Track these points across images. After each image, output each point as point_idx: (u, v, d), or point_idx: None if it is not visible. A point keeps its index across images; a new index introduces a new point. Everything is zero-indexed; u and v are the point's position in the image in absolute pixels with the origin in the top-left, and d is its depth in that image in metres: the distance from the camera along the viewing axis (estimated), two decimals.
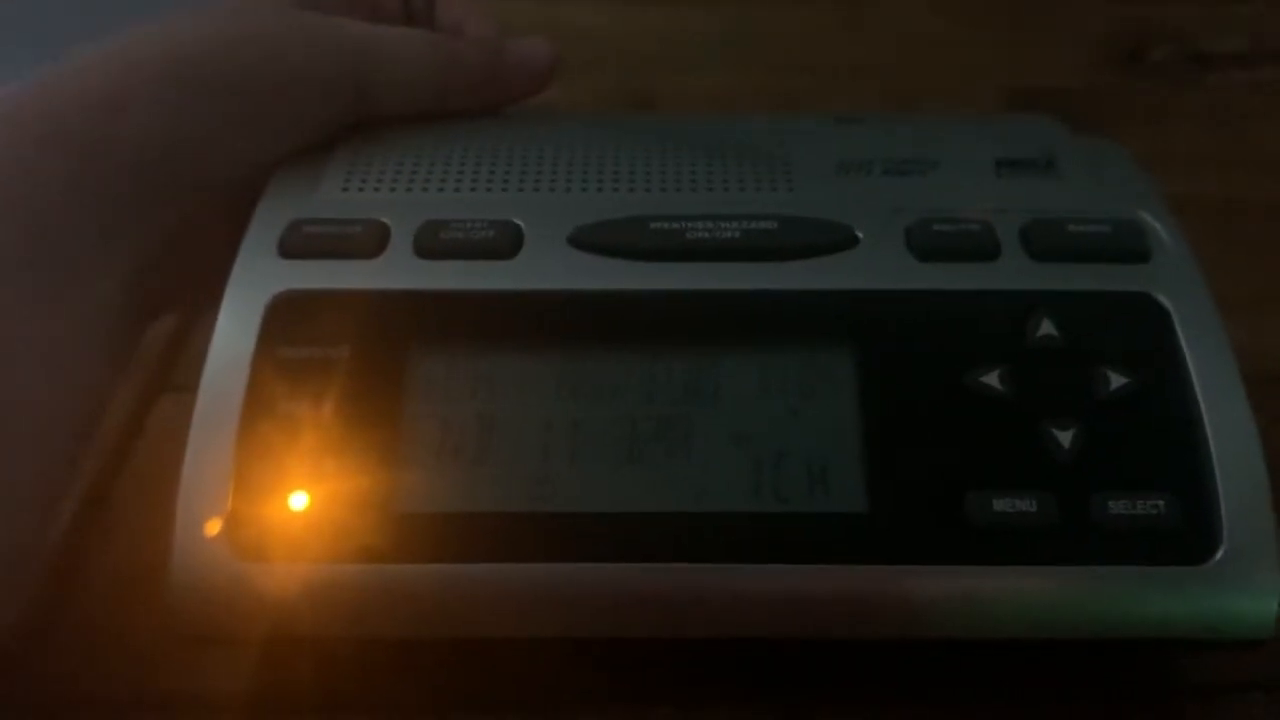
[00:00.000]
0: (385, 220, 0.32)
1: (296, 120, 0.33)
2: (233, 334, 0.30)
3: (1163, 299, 0.30)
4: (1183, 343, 0.30)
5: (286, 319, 0.30)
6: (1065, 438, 0.28)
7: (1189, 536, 0.28)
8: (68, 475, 0.30)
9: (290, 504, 0.28)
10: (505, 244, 0.31)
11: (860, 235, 0.32)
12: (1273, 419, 0.29)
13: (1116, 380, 0.29)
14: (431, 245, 0.31)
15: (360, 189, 0.33)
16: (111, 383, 0.31)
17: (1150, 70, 0.57)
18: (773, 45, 0.58)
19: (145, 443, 0.38)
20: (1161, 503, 0.28)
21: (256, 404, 0.29)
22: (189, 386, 0.29)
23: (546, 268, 0.31)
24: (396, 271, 0.31)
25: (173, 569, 0.27)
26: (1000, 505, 0.28)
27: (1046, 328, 0.30)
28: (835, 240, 0.31)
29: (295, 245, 0.31)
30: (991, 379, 0.29)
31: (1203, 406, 0.29)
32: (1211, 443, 0.28)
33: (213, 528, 0.28)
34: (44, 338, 0.28)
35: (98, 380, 0.30)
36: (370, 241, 0.31)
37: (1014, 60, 0.57)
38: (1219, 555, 0.27)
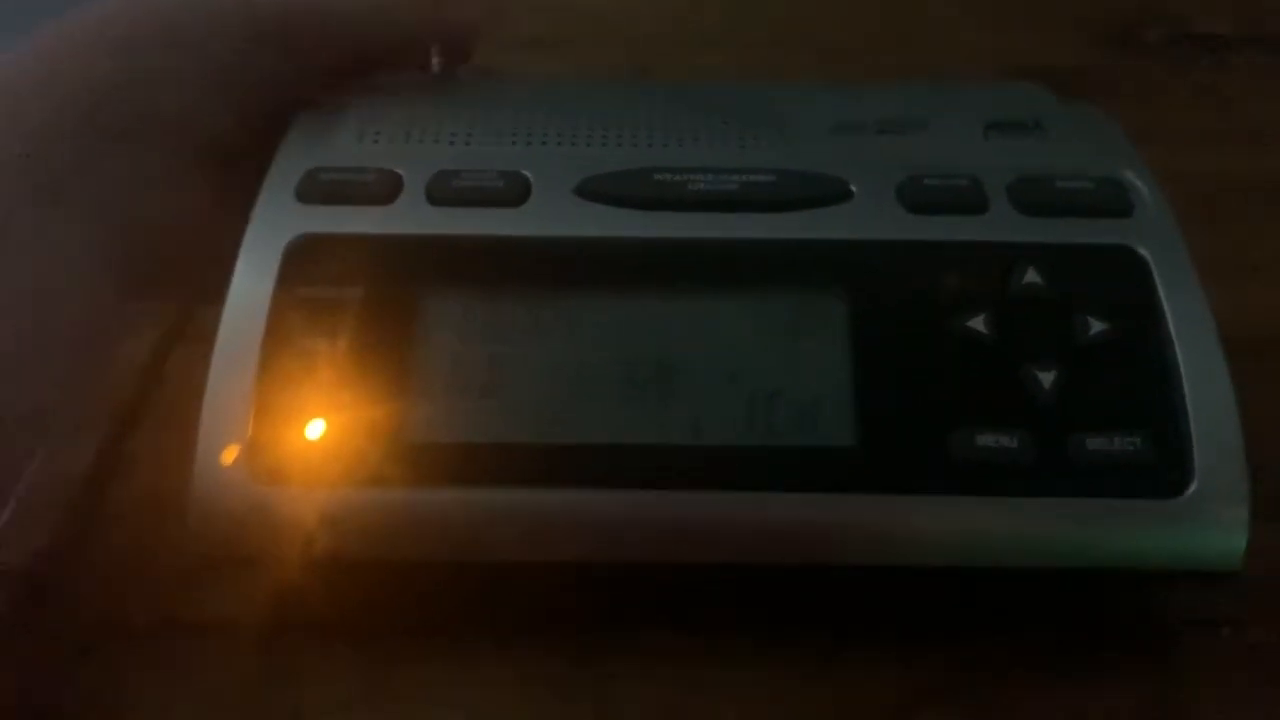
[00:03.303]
0: (398, 170, 0.33)
1: (226, 70, 0.34)
2: (253, 273, 0.31)
3: (1142, 251, 0.32)
4: (1160, 292, 0.31)
5: (304, 261, 0.31)
6: (1046, 379, 0.30)
7: (1162, 472, 0.29)
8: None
9: (308, 432, 0.29)
10: (514, 193, 0.33)
11: (853, 189, 0.33)
12: (1256, 382, 0.30)
13: (1096, 326, 0.30)
14: (443, 193, 0.32)
15: (375, 141, 0.35)
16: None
17: (1143, 50, 0.58)
18: (767, 26, 0.59)
19: (167, 388, 0.39)
20: (1137, 440, 0.29)
21: (276, 338, 0.30)
22: (208, 339, 0.31)
23: (553, 215, 0.32)
24: (409, 217, 0.32)
25: (193, 492, 0.29)
26: (983, 440, 0.29)
27: (1030, 276, 0.31)
28: (829, 193, 0.33)
29: (312, 191, 0.32)
30: (977, 324, 0.30)
31: (1178, 351, 0.30)
32: (1185, 384, 0.30)
33: (233, 453, 0.29)
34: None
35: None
36: (384, 189, 0.33)
37: (1007, 40, 0.58)
38: (1191, 490, 0.29)
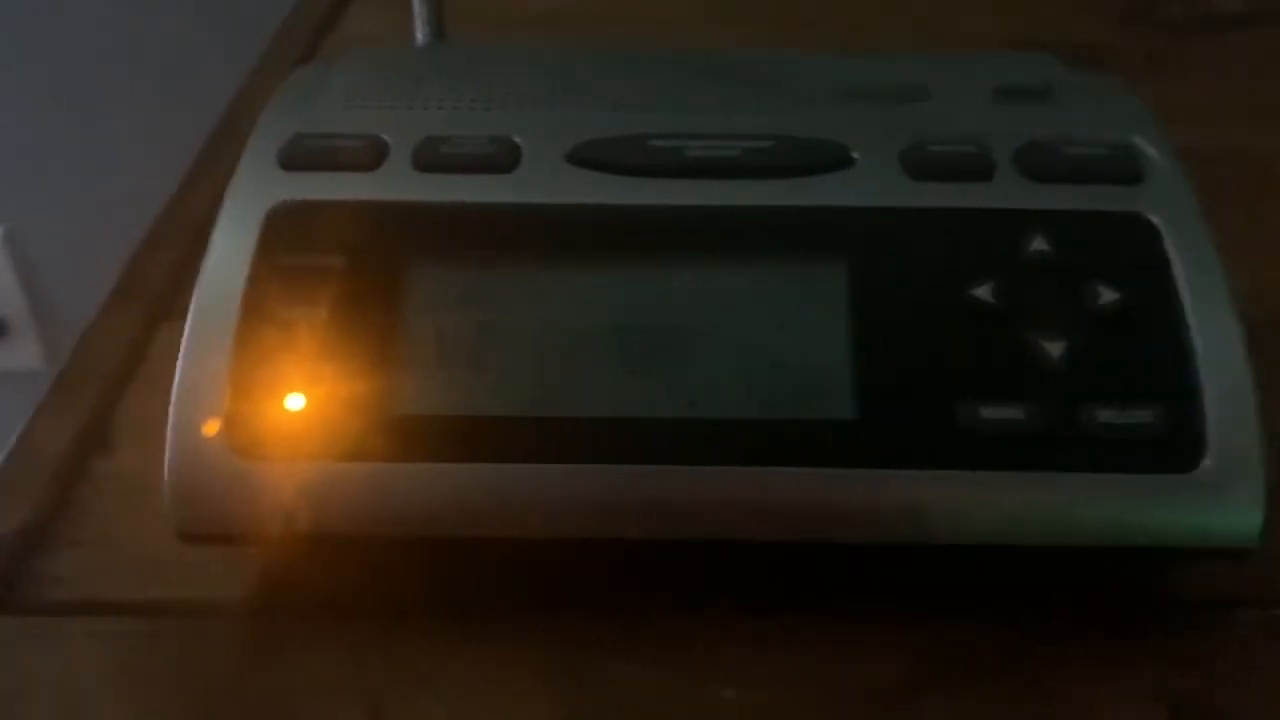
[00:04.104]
0: (384, 135, 0.32)
1: None
2: (232, 240, 0.30)
3: (1154, 218, 0.31)
4: (1173, 260, 0.30)
5: (285, 227, 0.30)
6: (1054, 349, 0.29)
7: (1175, 445, 0.28)
8: None
9: (288, 404, 0.28)
10: (504, 159, 0.32)
11: (855, 155, 0.32)
12: (1273, 354, 0.29)
13: (1107, 295, 0.29)
14: (430, 159, 0.31)
15: (361, 107, 0.34)
16: None
17: (1158, 25, 0.57)
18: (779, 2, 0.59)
19: (149, 366, 0.39)
20: (1149, 412, 0.28)
21: (254, 307, 0.29)
22: None
23: (544, 182, 0.31)
24: (395, 184, 0.31)
25: (169, 466, 0.28)
26: (989, 413, 0.28)
27: (1039, 244, 0.30)
28: (831, 159, 0.32)
29: (295, 157, 0.32)
30: (983, 292, 0.29)
31: (1191, 321, 0.29)
32: (1199, 355, 0.29)
33: (210, 426, 0.28)
34: None
35: None
36: (370, 155, 0.32)
37: (1022, 19, 0.57)
38: (1205, 463, 0.28)
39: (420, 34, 0.40)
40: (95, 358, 0.39)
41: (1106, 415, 0.28)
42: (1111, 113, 0.34)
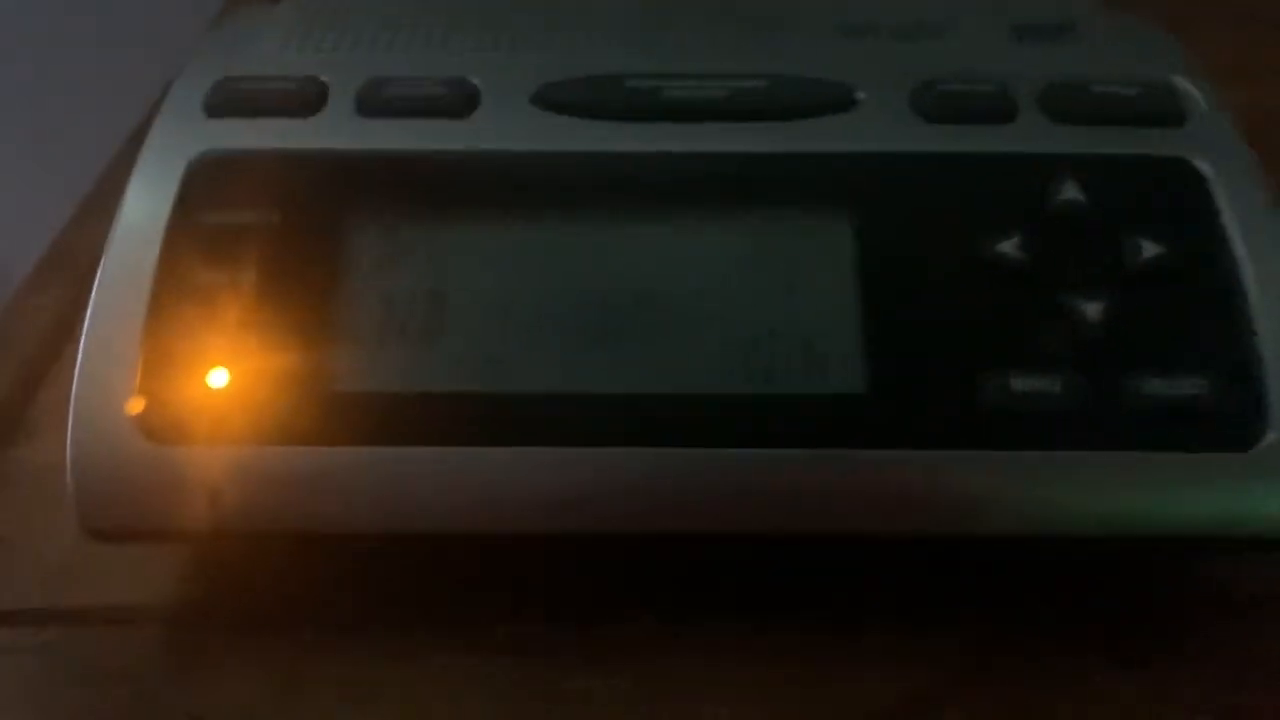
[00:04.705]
0: (324, 77, 0.29)
1: None
2: (147, 196, 0.27)
3: (1200, 164, 0.27)
4: (1223, 211, 0.27)
5: (209, 182, 0.27)
6: (1092, 311, 0.25)
7: (1232, 420, 0.25)
8: None
9: (209, 380, 0.25)
10: (459, 102, 0.28)
11: (860, 96, 0.29)
12: None
13: (1149, 249, 0.26)
14: (375, 103, 0.28)
15: (301, 48, 0.30)
16: None
17: None
18: None
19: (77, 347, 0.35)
20: (1201, 383, 0.25)
21: (171, 272, 0.26)
22: None
23: (506, 128, 0.28)
24: (336, 131, 0.28)
25: (73, 453, 0.24)
26: (1019, 385, 0.25)
27: (1069, 191, 0.27)
28: (831, 100, 0.29)
29: (222, 103, 0.28)
30: (1008, 247, 0.26)
31: (1246, 278, 0.26)
32: (1256, 317, 0.25)
33: (119, 406, 0.24)
34: None
35: None
36: (307, 99, 0.28)
37: None
38: (1266, 440, 0.24)
39: None
40: (15, 337, 0.36)
41: (1153, 387, 0.25)
42: (1144, 51, 0.31)
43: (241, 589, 0.27)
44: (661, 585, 0.27)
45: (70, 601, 0.27)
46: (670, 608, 0.26)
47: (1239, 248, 0.26)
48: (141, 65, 0.45)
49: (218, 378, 0.25)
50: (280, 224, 0.26)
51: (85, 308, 0.33)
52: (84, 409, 0.25)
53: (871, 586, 0.27)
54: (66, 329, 0.36)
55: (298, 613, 0.26)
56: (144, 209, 0.26)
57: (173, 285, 0.26)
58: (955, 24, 0.32)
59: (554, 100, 0.28)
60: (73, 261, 0.39)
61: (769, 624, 0.26)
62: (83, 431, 0.24)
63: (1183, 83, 0.29)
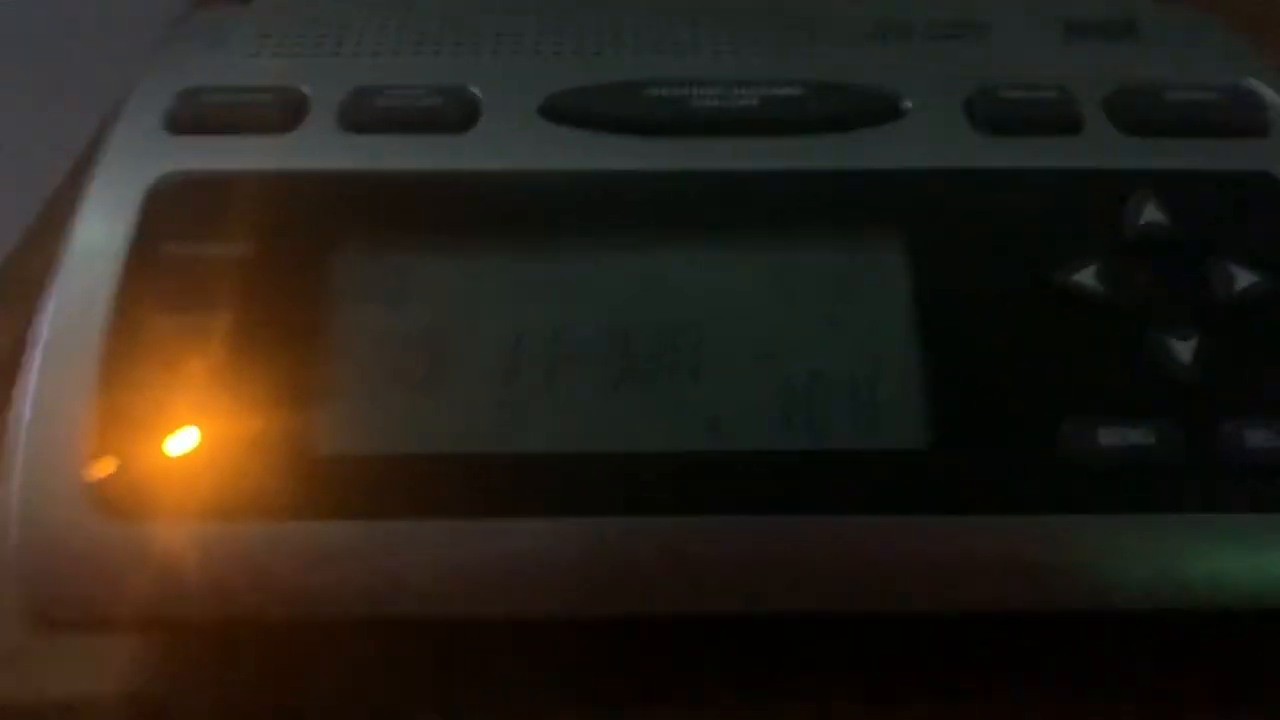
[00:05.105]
0: (303, 88, 0.26)
1: None
2: (100, 225, 0.24)
3: None
4: None
5: (173, 207, 0.24)
6: (1185, 350, 0.23)
7: None
8: None
9: (173, 445, 0.22)
10: (457, 114, 0.26)
11: (907, 104, 0.26)
12: None
13: (1244, 278, 0.24)
14: (362, 116, 0.26)
15: (275, 54, 0.28)
16: None
17: None
18: None
19: None
20: None
21: (129, 313, 0.23)
22: None
23: (511, 143, 0.25)
24: (317, 148, 0.25)
25: (15, 532, 0.21)
26: (1107, 438, 0.22)
27: (1151, 213, 0.24)
28: (877, 110, 0.26)
29: (188, 118, 0.26)
30: (1085, 276, 0.23)
31: None
32: None
33: (68, 476, 0.21)
34: None
35: None
36: (283, 112, 0.26)
37: None
38: None
39: None
40: None
41: (1258, 438, 0.22)
42: (1214, 50, 0.28)
43: (207, 681, 0.24)
44: (688, 668, 0.24)
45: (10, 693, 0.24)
46: (697, 695, 0.23)
47: None
48: (93, 66, 0.42)
49: (183, 441, 0.22)
50: (255, 256, 0.23)
51: (29, 351, 0.30)
52: (29, 480, 0.21)
53: (934, 667, 0.24)
54: (16, 363, 0.33)
55: (278, 703, 0.23)
56: (97, 238, 0.24)
57: (132, 329, 0.23)
58: (1003, 23, 0.29)
59: (564, 112, 0.26)
60: (21, 293, 0.36)
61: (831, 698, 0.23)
62: (28, 506, 0.21)
63: (1260, 86, 0.27)
